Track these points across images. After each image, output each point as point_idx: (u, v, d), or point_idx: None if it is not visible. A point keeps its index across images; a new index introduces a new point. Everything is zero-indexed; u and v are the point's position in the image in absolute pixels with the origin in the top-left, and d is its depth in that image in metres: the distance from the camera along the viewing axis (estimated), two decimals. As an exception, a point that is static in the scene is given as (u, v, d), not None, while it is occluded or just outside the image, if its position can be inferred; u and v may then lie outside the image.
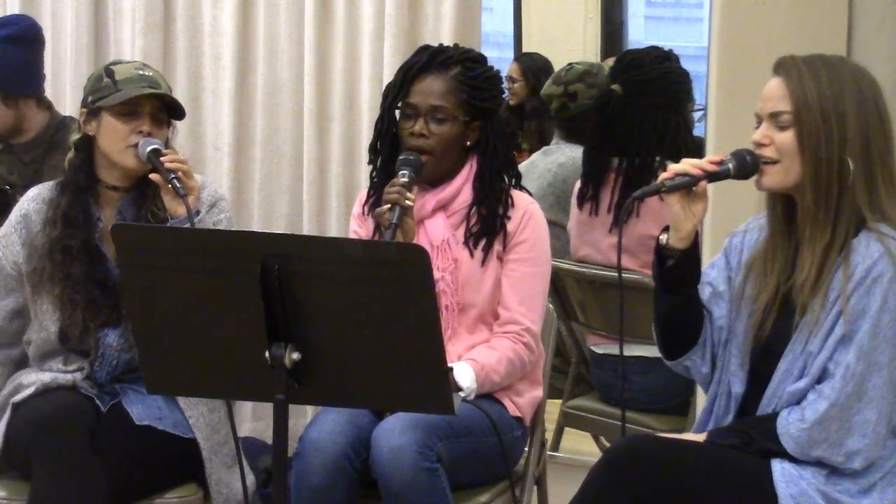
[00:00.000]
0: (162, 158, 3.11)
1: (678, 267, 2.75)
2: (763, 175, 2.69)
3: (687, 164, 2.71)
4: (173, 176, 3.08)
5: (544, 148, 4.96)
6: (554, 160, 4.74)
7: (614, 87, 4.23)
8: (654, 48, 4.38)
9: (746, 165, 2.69)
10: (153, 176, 3.11)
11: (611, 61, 4.97)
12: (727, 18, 3.65)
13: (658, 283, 2.78)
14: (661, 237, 2.76)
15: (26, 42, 3.94)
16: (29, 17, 4.11)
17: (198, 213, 3.13)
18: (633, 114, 4.16)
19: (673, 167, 2.71)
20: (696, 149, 4.12)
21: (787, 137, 2.66)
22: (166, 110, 3.22)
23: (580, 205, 4.31)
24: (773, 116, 2.67)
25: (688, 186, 2.69)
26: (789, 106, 2.65)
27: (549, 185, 4.67)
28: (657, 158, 4.13)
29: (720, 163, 2.71)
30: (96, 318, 3.16)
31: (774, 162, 2.67)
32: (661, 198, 2.71)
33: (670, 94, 4.20)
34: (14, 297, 3.25)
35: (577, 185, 4.36)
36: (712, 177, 2.71)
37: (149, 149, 3.12)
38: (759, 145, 2.68)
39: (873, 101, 2.67)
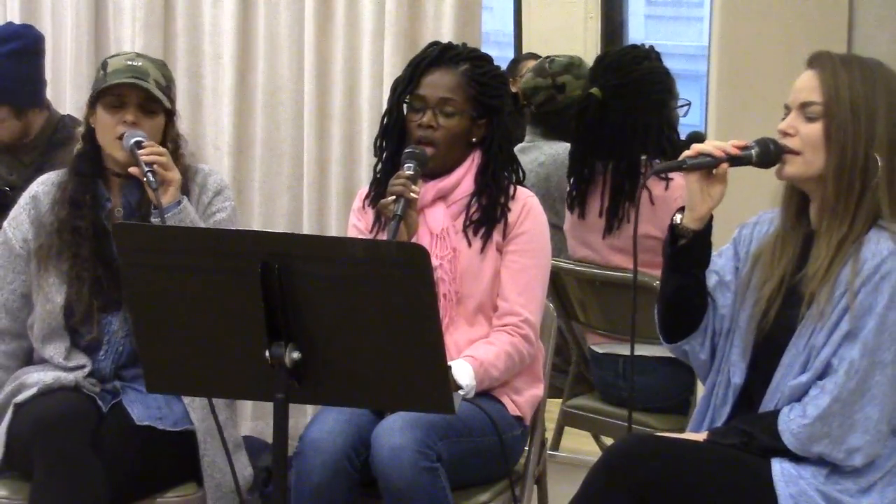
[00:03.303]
0: (140, 151, 3.13)
1: (690, 247, 2.75)
2: (785, 164, 2.69)
3: (710, 145, 2.71)
4: (148, 169, 3.10)
5: (520, 146, 4.89)
6: (533, 159, 4.70)
7: (593, 91, 4.20)
8: (633, 47, 4.34)
9: (769, 154, 2.69)
10: (132, 169, 3.14)
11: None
12: (727, 18, 3.65)
13: (667, 262, 2.79)
14: (675, 217, 2.76)
15: (33, 55, 4.00)
16: (33, 28, 4.13)
17: (178, 203, 3.14)
18: (614, 117, 4.13)
19: (696, 146, 2.72)
20: (682, 146, 4.11)
21: (815, 129, 2.66)
22: (159, 100, 3.23)
23: (570, 208, 4.31)
24: (803, 107, 2.68)
25: (709, 167, 2.69)
26: (820, 97, 2.66)
27: (533, 186, 4.64)
28: (643, 158, 4.11)
29: (744, 148, 2.71)
30: (99, 298, 3.18)
31: (797, 153, 2.67)
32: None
33: (650, 95, 4.16)
34: (23, 280, 3.26)
35: (569, 187, 4.35)
36: (734, 160, 2.71)
37: (132, 141, 3.15)
38: (785, 134, 2.69)
39: None
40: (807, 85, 2.69)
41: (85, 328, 3.21)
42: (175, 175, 3.15)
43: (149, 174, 3.10)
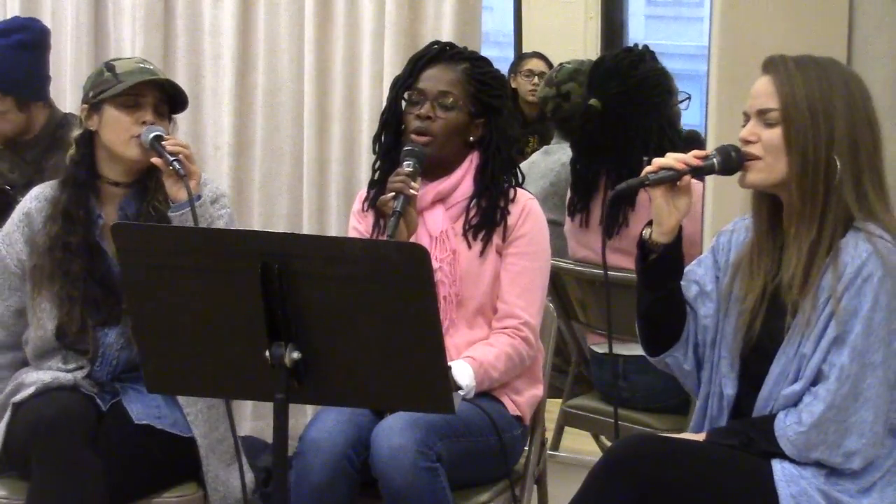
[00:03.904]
0: (164, 143, 3.13)
1: (660, 261, 2.75)
2: (747, 171, 2.69)
3: (671, 159, 2.71)
4: (174, 159, 3.10)
5: (545, 147, 4.95)
6: (556, 160, 4.73)
7: (592, 102, 4.20)
8: (628, 51, 4.32)
9: (731, 161, 2.69)
10: (155, 160, 3.13)
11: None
12: (727, 18, 3.64)
13: (640, 277, 2.79)
14: (644, 231, 2.76)
15: (38, 49, 3.99)
16: (38, 21, 4.14)
17: (199, 197, 3.14)
18: (616, 126, 4.13)
19: (657, 161, 2.72)
20: (684, 144, 4.11)
21: (774, 134, 2.66)
22: (168, 102, 3.24)
23: (571, 215, 4.31)
24: (761, 114, 2.68)
25: (671, 180, 2.70)
26: (777, 103, 2.66)
27: (552, 185, 4.66)
28: (644, 159, 4.12)
29: (705, 158, 2.71)
30: (95, 317, 3.17)
31: (760, 159, 2.67)
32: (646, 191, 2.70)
33: (651, 98, 4.17)
34: (18, 296, 3.25)
35: (569, 194, 4.36)
36: (697, 172, 2.72)
37: (151, 135, 3.14)
38: (746, 142, 2.69)
39: (862, 103, 2.67)
40: (763, 91, 2.68)
41: (79, 346, 3.20)
42: (198, 168, 3.16)
43: (175, 163, 3.10)
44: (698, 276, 2.84)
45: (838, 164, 2.62)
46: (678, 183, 2.70)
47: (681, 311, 2.81)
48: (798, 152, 2.64)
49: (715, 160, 2.70)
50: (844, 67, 2.75)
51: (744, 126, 2.71)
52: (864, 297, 2.60)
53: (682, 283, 2.83)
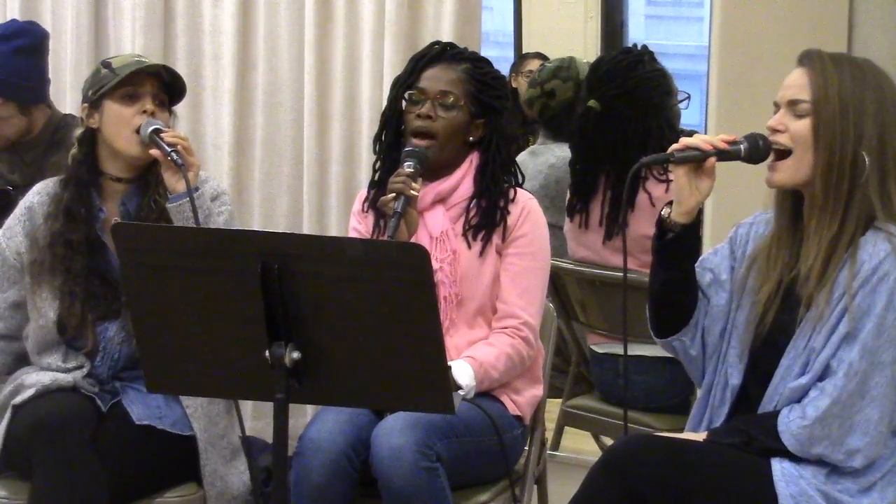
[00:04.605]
0: (162, 135, 3.14)
1: (677, 241, 2.75)
2: (775, 172, 2.70)
3: (699, 139, 2.71)
4: (172, 150, 3.11)
5: (531, 148, 4.94)
6: (544, 161, 4.73)
7: (591, 103, 4.20)
8: (627, 52, 4.32)
9: (758, 150, 2.70)
10: (153, 151, 3.14)
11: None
12: (728, 18, 3.65)
13: (656, 255, 2.79)
14: (663, 210, 2.76)
15: (38, 52, 4.01)
16: (38, 26, 4.15)
17: (197, 188, 3.14)
18: (615, 128, 4.13)
19: (684, 140, 2.72)
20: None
21: (803, 126, 2.66)
22: (167, 92, 3.24)
23: (570, 216, 4.31)
24: (792, 104, 2.68)
25: (696, 160, 2.70)
26: (809, 95, 2.67)
27: (542, 187, 4.66)
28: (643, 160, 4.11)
29: (732, 143, 2.71)
30: (95, 311, 3.18)
31: (787, 152, 2.67)
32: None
33: (650, 100, 4.16)
34: (16, 290, 3.25)
35: (568, 195, 4.36)
36: (722, 155, 2.71)
37: (150, 129, 3.15)
38: (774, 131, 2.69)
39: (893, 105, 2.68)
40: (796, 82, 2.69)
41: (80, 341, 3.20)
42: (196, 160, 3.17)
43: (173, 153, 3.11)
44: (713, 264, 2.85)
45: (867, 160, 2.63)
46: (703, 165, 2.70)
47: (692, 295, 2.81)
48: (825, 146, 2.64)
49: (742, 146, 2.70)
50: (880, 70, 2.75)
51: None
52: (878, 296, 2.60)
53: (696, 269, 2.83)
